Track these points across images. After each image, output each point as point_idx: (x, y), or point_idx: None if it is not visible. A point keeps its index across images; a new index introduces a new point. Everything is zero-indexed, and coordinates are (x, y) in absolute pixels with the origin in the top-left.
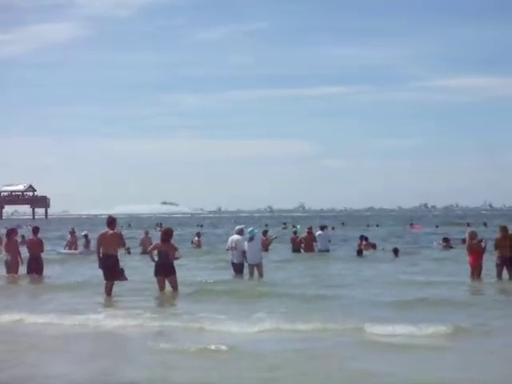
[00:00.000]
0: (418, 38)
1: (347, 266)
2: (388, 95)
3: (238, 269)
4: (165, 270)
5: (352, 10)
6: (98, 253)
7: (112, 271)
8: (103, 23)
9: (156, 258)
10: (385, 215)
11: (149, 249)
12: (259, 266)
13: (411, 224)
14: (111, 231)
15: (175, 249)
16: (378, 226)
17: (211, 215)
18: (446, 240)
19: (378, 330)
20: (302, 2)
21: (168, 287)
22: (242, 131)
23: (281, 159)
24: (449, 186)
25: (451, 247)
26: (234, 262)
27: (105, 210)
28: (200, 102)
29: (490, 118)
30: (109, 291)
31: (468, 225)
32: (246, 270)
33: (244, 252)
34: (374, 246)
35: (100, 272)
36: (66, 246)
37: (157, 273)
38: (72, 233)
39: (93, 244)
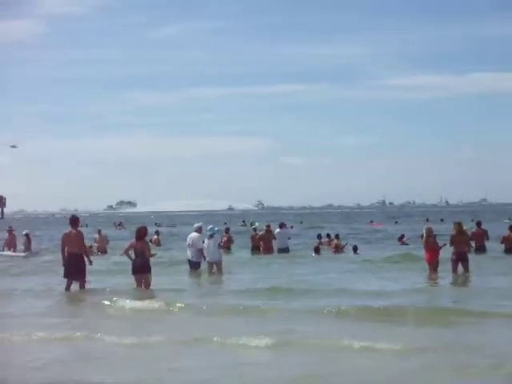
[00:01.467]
0: (377, 37)
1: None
2: (347, 93)
3: (194, 266)
4: (140, 268)
5: (312, 7)
6: (63, 252)
7: (75, 270)
8: (59, 21)
9: (133, 256)
10: (344, 213)
11: (125, 248)
12: (218, 264)
13: (371, 221)
14: (74, 230)
15: (149, 247)
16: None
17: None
18: (401, 237)
19: None
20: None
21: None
22: (201, 129)
23: (240, 157)
24: (406, 183)
25: (406, 244)
26: (191, 259)
27: (60, 209)
28: (158, 100)
29: (446, 115)
30: (68, 288)
31: (427, 220)
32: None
33: (201, 250)
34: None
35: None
36: (5, 245)
37: (133, 271)
38: (10, 231)
39: (35, 244)
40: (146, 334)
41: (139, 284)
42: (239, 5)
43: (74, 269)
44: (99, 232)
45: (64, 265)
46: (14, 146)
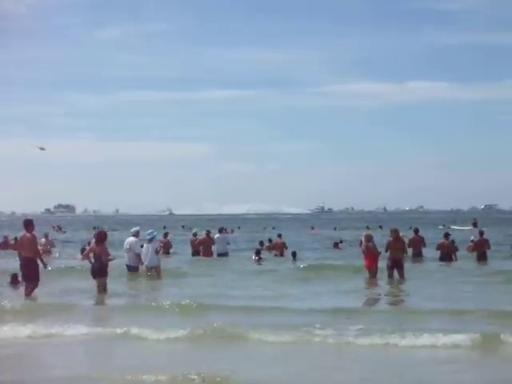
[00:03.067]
0: (318, 43)
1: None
2: (286, 99)
3: (132, 271)
4: (98, 271)
5: (251, 13)
6: (20, 255)
7: (27, 273)
8: None
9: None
10: (284, 218)
11: (85, 252)
12: (157, 268)
13: (312, 227)
14: (28, 234)
15: (107, 252)
16: (274, 228)
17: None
18: (336, 244)
19: None
20: (200, 5)
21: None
22: (141, 133)
23: (181, 162)
24: (345, 190)
25: (340, 249)
26: (129, 264)
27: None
28: (97, 103)
29: (386, 122)
30: (28, 293)
31: (367, 228)
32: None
33: (139, 254)
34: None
35: None
36: None
37: (93, 274)
38: None
39: None
40: None
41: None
42: (178, 9)
43: (29, 273)
44: (46, 236)
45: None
46: (42, 148)
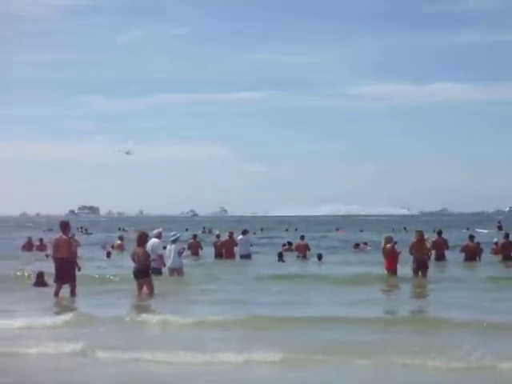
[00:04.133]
0: (338, 44)
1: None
2: (308, 100)
3: (154, 273)
4: (139, 272)
5: (274, 14)
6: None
7: (65, 273)
8: (18, 21)
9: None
10: (306, 220)
11: (130, 253)
12: (179, 270)
13: (337, 228)
14: (64, 236)
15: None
16: (296, 229)
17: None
18: (357, 245)
19: None
20: (223, 7)
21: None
22: (163, 135)
23: (202, 163)
24: (367, 191)
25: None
26: (151, 266)
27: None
28: (119, 105)
29: (405, 124)
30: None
31: (393, 229)
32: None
33: (161, 256)
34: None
35: None
36: None
37: (135, 275)
38: None
39: None
40: None
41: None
42: (200, 11)
43: (65, 274)
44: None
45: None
46: (128, 153)
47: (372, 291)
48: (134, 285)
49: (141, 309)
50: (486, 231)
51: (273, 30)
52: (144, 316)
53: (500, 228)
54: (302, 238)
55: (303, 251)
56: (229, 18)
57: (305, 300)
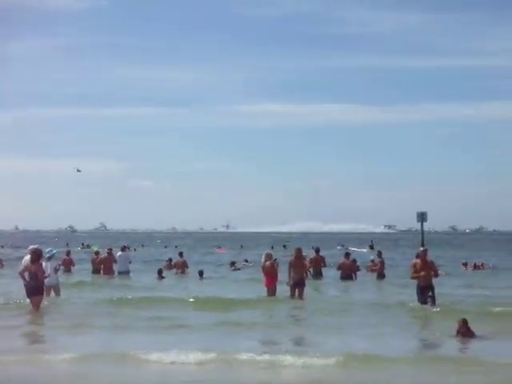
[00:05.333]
0: (223, 64)
1: None
2: (196, 119)
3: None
4: (34, 290)
5: (163, 31)
6: None
7: None
8: None
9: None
10: (187, 237)
11: (20, 270)
12: (56, 288)
13: (219, 246)
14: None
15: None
16: (176, 246)
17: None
18: (233, 263)
19: None
20: (115, 22)
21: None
22: (46, 149)
23: (86, 178)
24: (249, 209)
25: (238, 269)
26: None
27: None
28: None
29: (296, 145)
30: None
31: (272, 247)
32: None
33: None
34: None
35: None
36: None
37: (28, 294)
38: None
39: None
40: None
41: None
42: (84, 23)
43: None
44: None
45: None
46: (78, 171)
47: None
48: None
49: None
50: (358, 249)
51: (173, 47)
52: None
53: (371, 247)
54: (181, 254)
55: (182, 268)
56: (128, 33)
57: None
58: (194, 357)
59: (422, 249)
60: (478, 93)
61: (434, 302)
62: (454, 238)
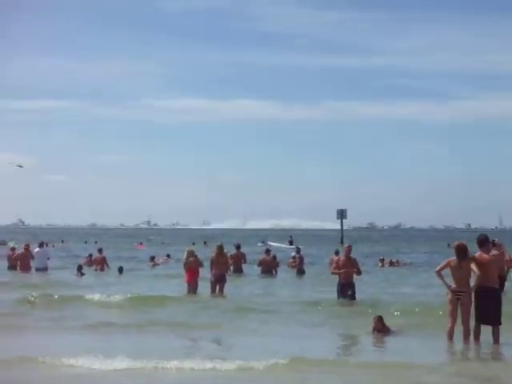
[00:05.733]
0: (136, 57)
1: None
2: (105, 112)
3: None
4: None
5: (78, 22)
6: None
7: None
8: None
9: None
10: (107, 233)
11: None
12: None
13: (140, 242)
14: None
15: None
16: (96, 242)
17: None
18: (152, 259)
19: None
20: (22, 9)
21: None
22: None
23: None
24: (170, 205)
25: (158, 264)
26: None
27: None
28: None
29: (211, 139)
30: None
31: (193, 243)
32: None
33: None
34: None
35: None
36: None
37: None
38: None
39: None
40: None
41: None
42: None
43: None
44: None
45: None
46: (20, 166)
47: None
48: None
49: None
50: (278, 245)
51: (81, 39)
52: None
53: (291, 243)
54: (100, 251)
55: (101, 264)
56: (27, 23)
57: None
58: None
59: (346, 245)
60: (389, 92)
61: (353, 299)
62: (372, 234)
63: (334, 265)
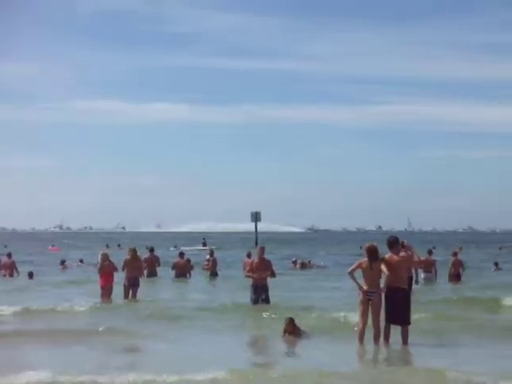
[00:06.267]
0: (47, 58)
1: None
2: (21, 114)
3: None
4: None
5: None
6: None
7: None
8: None
9: None
10: (17, 236)
11: None
12: None
13: (52, 245)
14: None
15: None
16: (6, 246)
17: None
18: (63, 262)
19: None
20: None
21: None
22: None
23: None
24: (83, 208)
25: (66, 267)
26: None
27: None
28: None
29: (126, 141)
30: None
31: (107, 246)
32: None
33: None
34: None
35: None
36: None
37: None
38: None
39: None
40: None
41: None
42: None
43: None
44: None
45: None
46: None
47: None
48: None
49: None
50: (191, 248)
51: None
52: None
53: (204, 245)
54: (9, 255)
55: (10, 269)
56: None
57: None
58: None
59: (258, 247)
60: (299, 96)
61: (267, 302)
62: (288, 236)
63: (248, 267)
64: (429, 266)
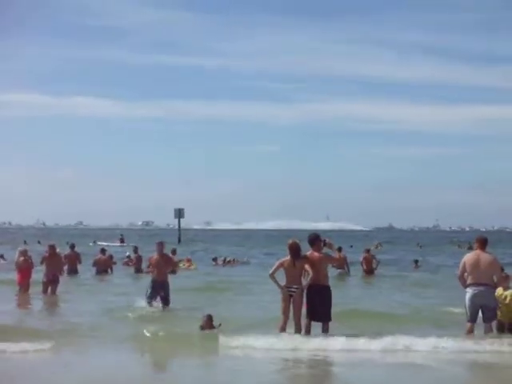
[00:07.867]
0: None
1: None
2: None
3: None
4: None
5: None
6: None
7: None
8: None
9: None
10: None
11: None
12: None
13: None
14: None
15: None
16: None
17: None
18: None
19: None
20: None
21: None
22: None
23: None
24: (2, 203)
25: None
26: None
27: None
28: None
29: (41, 135)
30: None
31: (25, 242)
32: None
33: None
34: None
35: None
36: None
37: None
38: None
39: None
40: None
41: None
42: None
43: None
44: None
45: None
46: None
47: None
48: None
49: None
50: (108, 244)
51: None
52: None
53: (122, 241)
54: None
55: None
56: None
57: None
58: None
59: (156, 242)
60: (234, 93)
61: (166, 303)
62: (211, 234)
63: (148, 263)
64: (341, 263)
